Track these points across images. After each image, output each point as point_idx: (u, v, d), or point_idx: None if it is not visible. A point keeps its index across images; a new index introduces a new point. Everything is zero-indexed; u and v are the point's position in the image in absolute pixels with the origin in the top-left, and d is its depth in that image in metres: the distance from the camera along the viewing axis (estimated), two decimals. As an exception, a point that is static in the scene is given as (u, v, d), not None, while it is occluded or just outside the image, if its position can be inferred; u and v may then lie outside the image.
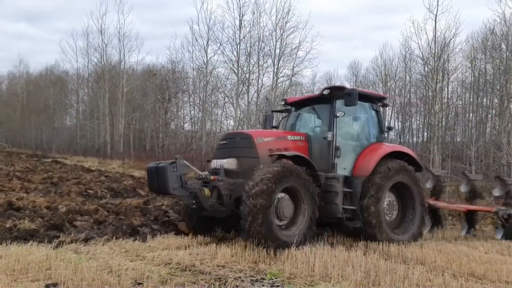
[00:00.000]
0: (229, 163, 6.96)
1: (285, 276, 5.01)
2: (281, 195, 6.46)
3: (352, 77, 40.78)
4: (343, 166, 7.60)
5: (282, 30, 28.64)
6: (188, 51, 32.87)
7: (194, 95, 37.83)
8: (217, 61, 32.12)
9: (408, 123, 36.11)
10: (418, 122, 35.45)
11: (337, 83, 44.52)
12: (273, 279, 4.87)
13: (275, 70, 29.07)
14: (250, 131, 7.50)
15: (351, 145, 7.86)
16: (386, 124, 9.17)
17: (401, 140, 35.46)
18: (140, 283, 4.26)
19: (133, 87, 38.38)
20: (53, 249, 5.38)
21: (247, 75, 29.72)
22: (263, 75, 30.56)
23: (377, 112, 8.33)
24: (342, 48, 69.29)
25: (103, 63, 38.80)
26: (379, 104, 8.43)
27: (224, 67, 31.21)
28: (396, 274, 5.13)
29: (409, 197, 7.95)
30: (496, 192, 10.29)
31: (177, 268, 5.06)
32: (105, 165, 26.06)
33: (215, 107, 36.16)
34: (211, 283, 4.47)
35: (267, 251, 5.89)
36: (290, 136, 7.56)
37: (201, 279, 4.66)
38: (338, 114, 7.49)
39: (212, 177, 6.76)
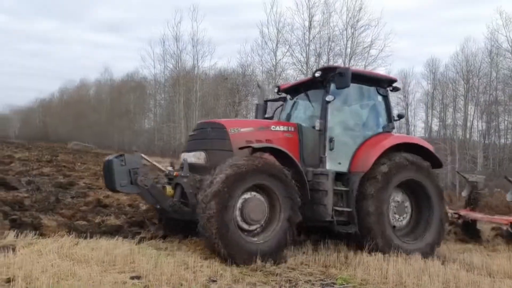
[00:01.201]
0: (196, 156, 6.08)
1: (357, 282, 4.92)
2: (248, 195, 5.49)
3: (430, 74, 38.63)
4: (338, 161, 6.53)
5: (353, 29, 28.05)
6: (258, 54, 33.35)
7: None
8: (285, 63, 32.22)
9: (494, 123, 33.25)
10: (506, 122, 32.53)
11: (413, 82, 42.41)
12: (343, 284, 4.81)
13: (346, 70, 28.45)
14: (223, 120, 6.53)
15: (349, 136, 6.79)
16: (396, 112, 7.57)
17: (485, 141, 32.78)
18: (214, 281, 4.46)
19: (206, 91, 39.91)
20: (136, 244, 5.82)
21: (316, 76, 29.41)
22: (333, 75, 30.03)
23: (385, 97, 7.16)
24: (418, 45, 65.86)
25: (178, 69, 40.88)
26: (388, 88, 7.25)
27: (293, 68, 31.21)
28: (479, 287, 4.80)
29: (424, 199, 6.79)
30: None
31: (248, 268, 5.20)
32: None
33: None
34: (282, 285, 4.53)
35: (337, 256, 5.81)
36: (275, 127, 6.50)
37: (271, 280, 4.75)
38: (328, 99, 6.42)
39: (175, 173, 6.00)
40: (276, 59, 31.23)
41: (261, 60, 34.57)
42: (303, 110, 7.53)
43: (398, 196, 6.73)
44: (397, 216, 6.71)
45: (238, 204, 5.42)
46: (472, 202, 9.17)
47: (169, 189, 5.93)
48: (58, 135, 61.30)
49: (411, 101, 39.95)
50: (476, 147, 31.57)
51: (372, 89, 7.08)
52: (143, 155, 6.13)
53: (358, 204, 6.29)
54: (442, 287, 4.80)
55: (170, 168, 6.29)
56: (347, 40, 28.30)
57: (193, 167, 5.94)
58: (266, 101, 8.25)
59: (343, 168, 6.54)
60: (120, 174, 5.63)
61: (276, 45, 30.77)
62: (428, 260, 5.95)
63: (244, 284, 4.46)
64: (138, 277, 4.36)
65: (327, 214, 6.07)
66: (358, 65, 28.61)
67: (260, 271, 5.12)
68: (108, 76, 62.99)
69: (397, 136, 7.18)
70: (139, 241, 6.14)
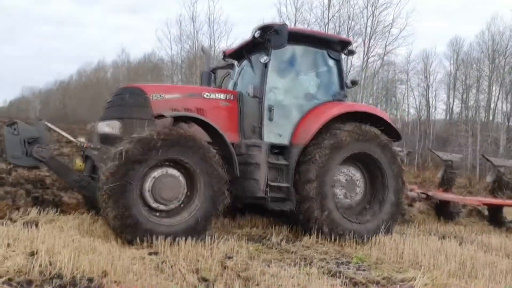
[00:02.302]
0: (110, 126, 5.37)
1: (372, 261, 4.92)
2: (159, 171, 4.90)
3: (453, 54, 37.44)
4: (279, 132, 5.93)
5: (374, 7, 27.29)
6: (275, 34, 32.97)
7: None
8: (305, 42, 31.67)
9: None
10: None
11: (435, 63, 41.22)
12: (359, 263, 4.82)
13: (366, 49, 27.91)
14: (144, 84, 5.89)
15: (293, 105, 6.12)
16: (350, 78, 6.93)
17: (509, 123, 31.89)
18: (230, 257, 4.52)
19: (223, 72, 39.73)
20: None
21: (335, 56, 28.96)
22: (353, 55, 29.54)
23: (337, 62, 6.43)
24: (441, 24, 63.87)
25: (194, 50, 40.74)
26: (342, 51, 6.51)
27: (311, 48, 30.68)
28: (497, 268, 4.76)
29: (379, 175, 6.16)
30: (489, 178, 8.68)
31: (264, 245, 5.27)
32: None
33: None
34: (297, 262, 4.58)
35: (353, 236, 5.79)
36: (210, 94, 5.83)
37: (287, 258, 4.80)
38: (262, 60, 5.77)
39: (85, 144, 5.49)
40: (294, 38, 30.74)
41: (279, 40, 34.12)
42: (246, 77, 6.70)
43: (349, 171, 6.13)
44: (347, 193, 6.11)
45: (147, 182, 4.83)
46: (446, 182, 8.61)
47: (79, 162, 5.52)
48: (78, 116, 62.35)
49: (432, 82, 39.01)
50: (500, 129, 30.77)
51: (322, 52, 6.36)
52: (49, 124, 5.56)
53: (296, 180, 5.76)
54: (459, 267, 4.75)
55: (81, 139, 5.74)
56: (367, 19, 27.63)
57: (106, 138, 5.36)
58: (214, 70, 7.32)
59: (284, 140, 5.96)
60: (12, 145, 5.10)
61: (294, 24, 30.28)
62: (445, 241, 5.92)
63: (260, 260, 4.52)
64: (156, 253, 4.46)
65: (259, 190, 5.51)
66: (377, 45, 28.03)
67: (275, 248, 5.18)
68: (125, 58, 63.37)
69: (347, 105, 6.43)
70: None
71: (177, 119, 5.38)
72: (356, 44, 28.77)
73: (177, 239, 4.80)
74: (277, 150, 5.95)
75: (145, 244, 4.71)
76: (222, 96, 5.91)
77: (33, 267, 3.67)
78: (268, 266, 4.33)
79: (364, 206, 6.21)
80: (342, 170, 6.07)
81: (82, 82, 70.37)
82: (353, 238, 5.69)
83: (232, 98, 5.96)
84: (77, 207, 6.38)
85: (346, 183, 6.09)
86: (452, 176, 8.64)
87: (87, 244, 4.37)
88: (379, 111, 6.62)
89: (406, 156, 9.07)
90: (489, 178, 9.08)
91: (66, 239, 4.41)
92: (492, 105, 33.20)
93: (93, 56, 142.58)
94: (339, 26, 28.19)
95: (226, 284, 3.73)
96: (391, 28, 27.33)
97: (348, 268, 4.60)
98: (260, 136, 5.84)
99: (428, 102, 38.62)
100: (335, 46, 6.43)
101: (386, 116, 6.51)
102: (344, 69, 6.60)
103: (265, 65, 5.86)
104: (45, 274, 3.61)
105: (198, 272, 4.00)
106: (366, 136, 5.96)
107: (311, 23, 29.70)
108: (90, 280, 3.57)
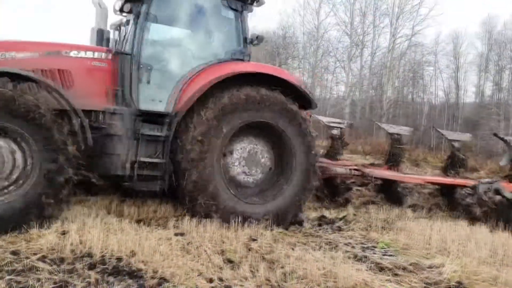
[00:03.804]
0: None
1: (399, 246, 4.85)
2: None
3: (485, 34, 35.90)
4: (158, 97, 5.06)
5: (402, -14, 26.42)
6: (299, 14, 32.43)
7: (304, 61, 37.52)
8: (329, 23, 31.20)
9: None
10: None
11: (465, 43, 39.67)
12: (385, 248, 4.76)
13: (393, 30, 27.15)
14: None
15: (178, 64, 5.22)
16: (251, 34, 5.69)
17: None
18: (254, 239, 4.55)
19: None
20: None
21: (360, 37, 28.36)
22: (379, 36, 28.82)
23: (238, 14, 5.50)
24: (473, 2, 61.15)
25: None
26: (245, 1, 5.54)
27: (336, 29, 30.18)
28: (530, 255, 4.61)
29: (285, 149, 5.37)
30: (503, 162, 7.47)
31: (287, 229, 5.26)
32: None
33: (326, 72, 35.45)
34: (321, 246, 4.56)
35: (377, 219, 5.73)
36: (76, 52, 4.83)
37: (311, 241, 4.78)
38: (137, 8, 4.96)
39: None
40: (318, 19, 30.30)
41: (303, 20, 33.65)
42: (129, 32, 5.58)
43: (251, 144, 5.34)
44: (247, 170, 5.32)
45: None
46: (392, 159, 7.55)
47: None
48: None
49: (462, 64, 37.62)
50: (534, 112, 29.55)
51: (219, 2, 5.42)
52: None
53: (175, 155, 4.99)
54: (490, 254, 4.63)
55: None
56: (394, -2, 26.78)
57: None
58: (119, 27, 5.96)
59: (166, 107, 5.08)
60: None
61: (319, 4, 29.69)
62: (475, 228, 5.76)
63: (284, 243, 4.52)
64: (181, 234, 4.53)
65: (118, 167, 4.78)
66: (405, 25, 27.16)
67: (300, 232, 5.17)
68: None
69: (243, 65, 5.40)
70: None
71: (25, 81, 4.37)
72: (383, 25, 28.04)
73: (203, 220, 4.83)
74: (159, 119, 5.07)
75: (171, 224, 4.80)
76: (91, 55, 4.92)
77: (65, 245, 3.81)
78: (293, 249, 4.34)
79: (270, 184, 5.40)
80: (241, 143, 5.28)
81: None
82: (247, 221, 4.91)
83: (107, 57, 4.96)
84: (105, 188, 6.52)
85: (246, 158, 5.30)
86: (398, 151, 7.58)
87: (115, 224, 4.48)
88: (286, 74, 5.51)
89: (345, 128, 8.01)
90: (502, 162, 7.73)
91: (95, 219, 4.53)
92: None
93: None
94: (366, 6, 27.51)
95: (251, 266, 3.76)
96: (419, 8, 26.51)
97: (374, 253, 4.55)
98: (135, 102, 4.97)
99: (457, 84, 37.36)
100: None
101: (296, 79, 5.54)
102: (248, 24, 5.62)
103: (138, 14, 4.98)
104: (76, 253, 3.74)
105: (223, 253, 4.05)
106: (265, 103, 5.10)
107: (337, 3, 29.07)
108: (119, 259, 3.67)
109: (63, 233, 4.12)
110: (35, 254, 3.62)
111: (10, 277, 3.16)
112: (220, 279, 3.46)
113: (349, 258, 4.25)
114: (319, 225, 5.59)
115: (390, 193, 7.43)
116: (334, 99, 33.14)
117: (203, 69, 5.24)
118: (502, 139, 7.84)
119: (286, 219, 5.29)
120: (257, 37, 5.66)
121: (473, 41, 43.07)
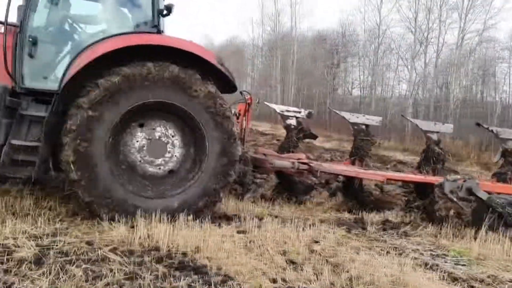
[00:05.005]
0: None
1: (473, 255, 4.50)
2: None
3: None
4: (44, 74, 4.60)
5: (473, -24, 24.79)
6: (360, 11, 31.62)
7: (364, 59, 36.46)
8: (391, 20, 30.05)
9: None
10: None
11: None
12: (457, 257, 4.45)
13: (462, 25, 25.51)
14: None
15: (70, 37, 4.79)
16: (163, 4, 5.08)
17: None
18: (317, 241, 4.45)
19: (303, 54, 39.26)
20: (240, 201, 6.10)
21: (425, 34, 26.98)
22: (445, 32, 27.25)
23: None
24: (552, -8, 55.70)
25: (276, 32, 40.65)
26: None
27: (399, 26, 29.00)
28: None
29: (199, 136, 4.75)
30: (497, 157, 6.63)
31: (351, 232, 5.09)
32: (277, 130, 27.77)
33: (387, 71, 34.16)
34: (388, 251, 4.36)
35: (448, 226, 5.36)
36: None
37: (376, 246, 4.59)
38: None
39: None
40: (380, 16, 29.30)
41: (364, 18, 32.75)
42: None
43: (161, 129, 4.77)
44: (151, 159, 4.75)
45: None
46: (356, 152, 6.74)
47: None
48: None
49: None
50: None
51: None
52: None
53: (54, 138, 4.43)
54: None
55: None
56: (465, -10, 25.17)
57: None
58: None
59: (53, 85, 4.55)
60: None
61: (381, 0, 28.68)
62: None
63: (348, 247, 4.38)
64: (243, 232, 4.55)
65: None
66: (476, 20, 25.38)
67: (364, 236, 4.99)
68: (209, 42, 65.40)
69: (141, 37, 4.66)
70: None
71: None
72: (450, 20, 26.48)
73: (263, 219, 4.83)
74: (48, 98, 4.52)
75: (233, 222, 4.83)
76: None
77: (134, 238, 3.97)
78: (357, 253, 4.18)
79: (182, 175, 4.83)
80: (144, 127, 4.72)
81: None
82: (144, 217, 4.39)
83: (3, 30, 4.53)
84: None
85: (149, 145, 4.71)
86: (362, 144, 6.76)
87: (181, 220, 4.58)
88: (192, 46, 4.65)
89: (304, 118, 7.18)
90: (496, 157, 7.02)
91: (162, 214, 4.67)
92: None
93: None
94: (431, 1, 26.10)
95: (314, 269, 3.67)
96: (492, 1, 24.61)
97: (446, 262, 4.26)
98: (18, 79, 4.52)
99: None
100: None
101: (209, 55, 4.75)
102: None
103: None
104: (144, 246, 3.88)
105: (285, 254, 4.00)
106: (162, 81, 4.42)
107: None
108: (184, 254, 3.76)
109: (132, 226, 4.30)
110: (107, 245, 3.81)
111: (86, 265, 3.34)
112: (284, 280, 3.41)
113: (418, 265, 4.02)
114: (384, 229, 5.36)
115: (352, 192, 6.67)
116: (396, 98, 31.90)
117: (98, 42, 4.62)
118: (487, 129, 7.04)
119: (207, 211, 4.76)
120: (166, 7, 4.93)
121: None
